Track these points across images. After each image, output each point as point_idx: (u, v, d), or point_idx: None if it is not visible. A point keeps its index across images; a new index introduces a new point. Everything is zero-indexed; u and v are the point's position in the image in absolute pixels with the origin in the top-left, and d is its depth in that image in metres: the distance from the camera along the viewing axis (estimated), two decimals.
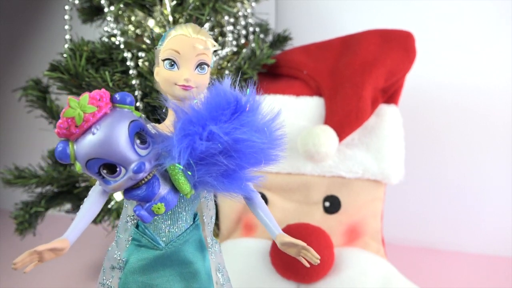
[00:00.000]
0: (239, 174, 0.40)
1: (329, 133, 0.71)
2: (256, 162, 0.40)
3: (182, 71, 0.42)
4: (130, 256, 0.44)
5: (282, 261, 0.66)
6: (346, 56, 0.78)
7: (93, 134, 0.36)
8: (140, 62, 0.72)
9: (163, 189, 0.39)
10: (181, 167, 0.38)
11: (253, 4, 0.87)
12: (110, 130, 0.36)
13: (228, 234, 0.79)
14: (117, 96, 0.38)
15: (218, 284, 0.49)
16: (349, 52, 0.78)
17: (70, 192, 0.86)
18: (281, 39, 0.96)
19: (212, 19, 0.77)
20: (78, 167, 0.37)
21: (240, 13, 0.82)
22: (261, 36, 0.91)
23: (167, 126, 0.41)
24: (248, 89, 0.41)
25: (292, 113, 0.77)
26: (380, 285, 0.67)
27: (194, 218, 0.46)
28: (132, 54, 0.72)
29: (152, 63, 0.65)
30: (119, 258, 0.45)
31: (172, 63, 0.42)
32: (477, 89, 0.98)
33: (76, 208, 0.90)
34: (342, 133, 0.73)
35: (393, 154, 0.75)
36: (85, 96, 0.36)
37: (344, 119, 0.73)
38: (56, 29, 1.20)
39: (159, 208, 0.39)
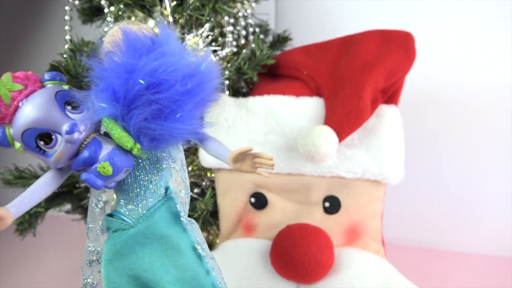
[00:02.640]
0: (177, 112, 0.37)
1: (329, 134, 0.71)
2: (189, 93, 0.37)
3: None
4: (105, 245, 0.42)
5: (282, 262, 0.66)
6: (346, 57, 0.78)
7: (20, 107, 0.36)
8: None
9: (105, 149, 0.38)
10: (112, 119, 0.36)
11: (253, 4, 0.87)
12: (37, 100, 0.37)
13: (228, 234, 0.79)
14: (46, 76, 0.39)
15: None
16: (349, 53, 0.78)
17: (70, 192, 0.86)
18: (281, 40, 0.97)
19: (212, 19, 0.77)
20: (17, 147, 0.38)
21: (240, 14, 0.82)
22: (261, 36, 0.91)
23: None
24: (159, 27, 0.39)
25: (292, 114, 0.77)
26: (380, 285, 0.67)
27: (166, 192, 0.43)
28: None
29: None
30: (93, 249, 0.43)
31: None
32: (477, 90, 0.99)
33: (76, 209, 0.90)
34: (342, 134, 0.73)
35: (393, 154, 0.75)
36: (7, 74, 0.37)
37: (344, 119, 0.73)
38: (56, 29, 1.20)
39: (104, 168, 0.37)
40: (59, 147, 0.37)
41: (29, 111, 0.36)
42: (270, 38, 0.97)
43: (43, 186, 0.40)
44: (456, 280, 0.90)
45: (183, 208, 0.43)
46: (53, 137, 0.37)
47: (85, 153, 0.37)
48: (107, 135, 0.39)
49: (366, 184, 0.75)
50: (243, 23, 0.83)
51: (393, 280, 0.68)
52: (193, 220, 0.44)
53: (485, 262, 0.98)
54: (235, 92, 0.82)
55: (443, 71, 1.00)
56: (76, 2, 0.78)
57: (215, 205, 0.80)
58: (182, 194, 0.44)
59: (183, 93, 0.36)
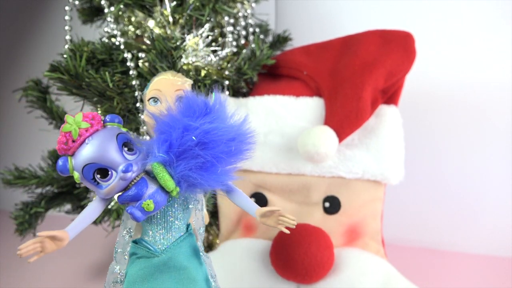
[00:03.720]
0: (217, 167, 0.44)
1: (329, 134, 0.71)
2: (230, 153, 0.45)
3: (165, 103, 0.48)
4: (129, 268, 0.47)
5: (282, 262, 0.66)
6: (346, 57, 0.78)
7: (87, 143, 0.42)
8: (140, 63, 0.72)
9: (151, 188, 0.44)
10: (161, 164, 0.43)
11: (253, 4, 0.87)
12: (101, 139, 0.43)
13: (228, 235, 0.79)
14: (107, 118, 0.45)
15: None
16: (349, 53, 0.78)
17: (70, 192, 0.86)
18: (281, 40, 0.97)
19: (212, 19, 0.77)
20: (76, 176, 0.43)
21: (240, 14, 0.82)
22: (261, 36, 0.91)
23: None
24: (213, 94, 0.47)
25: (292, 114, 0.77)
26: (380, 285, 0.67)
27: (187, 228, 0.49)
28: (132, 54, 0.72)
29: (152, 64, 0.65)
30: (118, 272, 0.48)
31: (156, 99, 0.48)
32: (477, 90, 0.98)
33: (76, 209, 0.90)
34: (342, 134, 0.73)
35: (393, 155, 0.75)
36: (79, 114, 0.43)
37: (344, 119, 0.73)
38: (56, 29, 1.20)
39: (148, 205, 0.43)
40: (113, 182, 0.43)
41: (94, 149, 0.42)
42: (270, 38, 0.97)
43: (91, 213, 0.46)
44: (456, 280, 0.90)
45: (201, 243, 0.51)
46: (109, 172, 0.43)
47: (134, 190, 0.43)
48: (148, 172, 0.45)
49: (366, 184, 0.75)
50: (243, 23, 0.83)
51: (393, 280, 0.68)
52: (208, 255, 0.52)
53: (485, 262, 0.98)
54: (235, 92, 0.82)
55: (443, 71, 1.00)
56: (76, 2, 0.78)
57: (215, 205, 0.80)
58: (201, 231, 0.51)
59: (226, 152, 0.44)
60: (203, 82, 0.71)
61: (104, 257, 1.03)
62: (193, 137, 0.43)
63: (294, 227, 0.47)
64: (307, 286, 0.67)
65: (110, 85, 0.66)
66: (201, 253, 0.50)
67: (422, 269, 0.94)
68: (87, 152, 0.42)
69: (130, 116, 0.73)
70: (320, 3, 1.07)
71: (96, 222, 0.87)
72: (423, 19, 0.99)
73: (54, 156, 0.89)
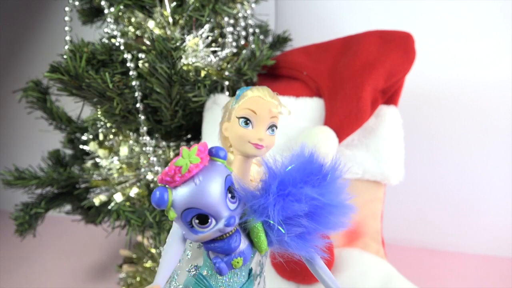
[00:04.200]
0: (311, 237, 0.42)
1: (329, 134, 0.71)
2: (330, 227, 0.43)
3: (257, 130, 0.45)
4: None
5: (282, 262, 0.66)
6: (346, 57, 0.78)
7: (196, 184, 0.38)
8: (140, 64, 0.72)
9: (243, 244, 0.41)
10: (261, 224, 0.41)
11: (253, 5, 0.87)
12: (210, 182, 0.38)
13: None
14: (212, 149, 0.40)
15: None
16: (349, 53, 0.78)
17: (70, 193, 0.86)
18: (281, 40, 0.97)
19: (212, 20, 0.77)
20: (172, 215, 0.39)
21: (240, 14, 0.82)
22: (261, 37, 0.91)
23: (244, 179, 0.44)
24: (330, 163, 0.44)
25: (292, 114, 0.77)
26: (380, 285, 0.67)
27: (249, 273, 0.47)
28: (132, 55, 0.72)
29: (152, 64, 0.65)
30: None
31: (248, 121, 0.44)
32: (477, 90, 0.99)
33: (76, 209, 0.90)
34: (342, 134, 0.73)
35: (393, 155, 0.75)
36: (195, 147, 0.39)
37: (344, 120, 0.73)
38: (56, 30, 1.21)
39: (238, 262, 0.41)
40: (210, 231, 0.39)
41: (202, 193, 0.38)
42: (270, 39, 0.97)
43: (175, 257, 0.42)
44: (456, 280, 0.90)
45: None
46: (209, 220, 0.39)
47: (227, 243, 0.40)
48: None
49: (366, 185, 0.75)
50: (243, 23, 0.83)
51: (393, 280, 0.68)
52: None
53: (485, 262, 0.98)
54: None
55: (442, 71, 1.00)
56: (76, 3, 0.78)
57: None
58: (262, 275, 0.49)
59: (326, 227, 0.42)
60: (203, 83, 0.71)
61: (104, 257, 1.03)
62: (306, 208, 0.41)
63: None
64: (307, 286, 0.67)
65: (110, 85, 0.66)
66: None
67: (422, 269, 0.94)
68: (193, 195, 0.38)
69: (130, 116, 0.73)
70: (320, 3, 1.07)
71: (96, 223, 0.87)
72: (423, 19, 0.99)
73: (54, 156, 0.89)
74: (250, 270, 0.47)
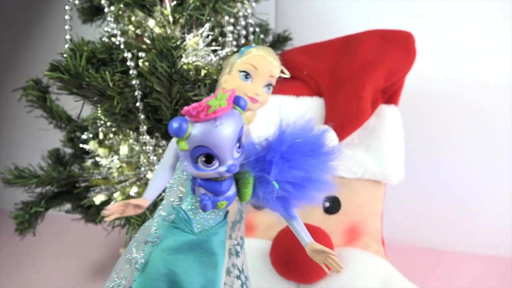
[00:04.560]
0: (292, 201, 0.45)
1: (329, 134, 0.71)
2: (308, 200, 0.46)
3: (255, 85, 0.48)
4: (166, 235, 0.47)
5: (282, 262, 0.66)
6: (346, 57, 0.78)
7: (216, 126, 0.39)
8: (140, 62, 0.72)
9: (231, 191, 0.44)
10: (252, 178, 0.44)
11: (253, 4, 0.87)
12: (228, 128, 0.40)
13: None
14: (236, 98, 0.42)
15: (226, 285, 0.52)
16: (349, 53, 0.78)
17: (70, 192, 0.86)
18: (281, 40, 0.96)
19: (212, 19, 0.77)
20: (183, 146, 0.40)
21: (240, 13, 0.82)
22: (261, 36, 0.91)
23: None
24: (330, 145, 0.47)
25: (292, 114, 0.77)
26: (380, 285, 0.67)
27: (225, 216, 0.50)
28: (132, 54, 0.72)
29: (152, 63, 0.65)
30: (156, 233, 0.48)
31: (248, 75, 0.48)
32: (477, 90, 0.98)
33: (76, 208, 0.90)
34: (342, 134, 0.73)
35: (393, 154, 0.75)
36: (228, 93, 0.40)
37: (344, 119, 0.73)
38: (56, 29, 1.20)
39: (222, 204, 0.44)
40: (212, 171, 0.41)
41: (220, 135, 0.39)
42: (270, 38, 0.97)
43: (164, 181, 0.47)
44: (456, 280, 0.90)
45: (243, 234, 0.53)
46: (214, 162, 0.41)
47: (220, 186, 0.43)
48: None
49: (366, 184, 0.75)
50: (243, 22, 0.83)
51: (393, 280, 0.68)
52: (244, 248, 0.54)
53: (485, 262, 0.98)
54: None
55: (443, 71, 1.00)
56: (76, 2, 0.78)
57: None
58: (242, 221, 0.53)
59: (306, 199, 0.45)
60: (203, 82, 0.71)
61: (104, 257, 1.03)
62: (301, 174, 0.44)
63: (339, 272, 0.47)
64: (307, 286, 0.67)
65: (110, 84, 0.66)
66: (238, 247, 0.53)
67: (422, 269, 0.94)
68: (209, 135, 0.39)
69: (130, 115, 0.73)
70: (320, 3, 1.07)
71: (95, 222, 0.87)
72: (423, 19, 0.99)
73: (54, 155, 0.89)
74: (226, 212, 0.50)
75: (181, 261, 0.46)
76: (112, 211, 0.42)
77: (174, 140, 0.48)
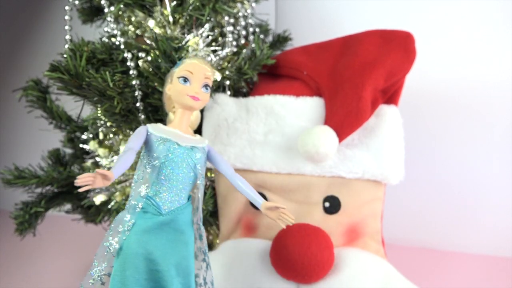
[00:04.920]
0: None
1: (329, 134, 0.71)
2: None
3: (193, 86, 0.56)
4: (137, 220, 0.53)
5: (282, 261, 0.66)
6: (346, 57, 0.78)
7: None
8: (140, 63, 0.72)
9: None
10: None
11: (253, 4, 0.87)
12: None
13: (228, 234, 0.79)
14: None
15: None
16: (349, 53, 0.78)
17: (70, 192, 0.86)
18: (281, 40, 0.97)
19: (212, 19, 0.77)
20: None
21: (240, 14, 0.82)
22: (261, 36, 0.91)
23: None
24: None
25: (292, 114, 0.77)
26: (380, 285, 0.67)
27: (188, 199, 0.57)
28: (133, 54, 0.72)
29: (152, 63, 0.65)
30: (129, 221, 0.53)
31: (186, 79, 0.55)
32: (477, 90, 0.99)
33: (76, 209, 0.90)
34: (342, 134, 0.73)
35: (393, 155, 0.75)
36: None
37: (344, 119, 0.73)
38: (56, 29, 1.20)
39: None
40: None
41: None
42: (270, 38, 0.97)
43: (129, 159, 0.51)
44: (456, 280, 0.90)
45: (201, 221, 0.58)
46: None
47: None
48: None
49: (366, 184, 0.75)
50: (243, 23, 0.83)
51: (393, 280, 0.68)
52: (203, 231, 0.59)
53: (485, 262, 0.98)
54: (235, 92, 0.83)
55: (443, 71, 1.00)
56: (76, 2, 0.78)
57: (215, 205, 0.80)
58: (200, 208, 0.58)
59: None
60: None
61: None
62: None
63: (291, 224, 0.54)
64: (307, 286, 0.67)
65: (110, 84, 0.66)
66: (200, 231, 0.58)
67: (422, 269, 0.94)
68: None
69: (130, 115, 0.73)
70: (320, 3, 1.07)
71: (95, 222, 0.87)
72: (423, 19, 0.99)
73: (54, 155, 0.89)
74: (189, 197, 0.57)
75: (154, 240, 0.52)
76: (83, 181, 0.45)
77: (139, 128, 0.56)
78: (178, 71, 0.56)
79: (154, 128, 0.56)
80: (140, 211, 0.54)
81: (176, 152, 0.54)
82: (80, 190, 0.46)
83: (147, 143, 0.55)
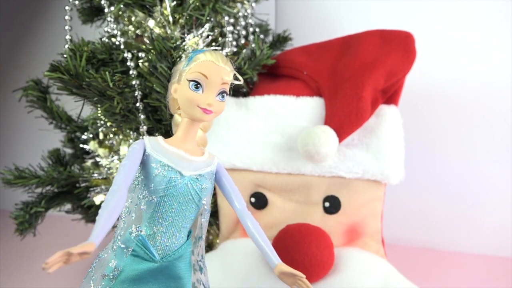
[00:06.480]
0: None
1: (329, 134, 0.71)
2: None
3: (207, 95, 0.44)
4: (125, 266, 0.44)
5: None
6: (346, 57, 0.78)
7: None
8: (140, 63, 0.72)
9: None
10: None
11: (253, 4, 0.87)
12: None
13: (228, 234, 0.79)
14: None
15: None
16: (349, 53, 0.78)
17: (70, 192, 0.86)
18: (281, 40, 0.96)
19: (212, 19, 0.77)
20: None
21: (240, 14, 0.82)
22: (261, 36, 0.91)
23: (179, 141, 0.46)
24: None
25: (292, 114, 0.77)
26: (380, 285, 0.67)
27: (188, 235, 0.47)
28: (132, 54, 0.72)
29: (152, 63, 0.65)
30: (114, 267, 0.44)
31: (198, 85, 0.44)
32: (477, 89, 0.99)
33: (76, 209, 0.90)
34: (342, 134, 0.73)
35: (393, 154, 0.75)
36: None
37: (344, 119, 0.73)
38: (56, 29, 1.20)
39: None
40: None
41: None
42: (270, 38, 0.97)
43: (116, 207, 0.39)
44: (456, 280, 0.90)
45: (202, 251, 0.50)
46: None
47: None
48: None
49: (366, 184, 0.75)
50: (243, 23, 0.83)
51: (393, 280, 0.68)
52: (206, 264, 0.50)
53: (485, 262, 0.98)
54: (235, 92, 0.83)
55: (443, 71, 1.00)
56: (76, 2, 0.78)
57: (215, 205, 0.80)
58: (203, 238, 0.49)
59: None
60: None
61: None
62: None
63: None
64: None
65: (110, 84, 0.66)
66: (200, 263, 0.49)
67: (422, 269, 0.94)
68: None
69: (130, 115, 0.73)
70: (320, 3, 1.07)
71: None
72: (423, 19, 0.99)
73: (54, 155, 0.89)
74: (190, 231, 0.47)
75: None
76: (53, 263, 0.34)
77: (135, 145, 0.44)
78: (189, 70, 0.44)
79: (153, 146, 0.44)
80: (129, 255, 0.44)
81: (179, 185, 0.44)
82: (49, 271, 0.34)
83: (143, 165, 0.44)
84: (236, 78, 0.47)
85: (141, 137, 0.74)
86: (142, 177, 0.44)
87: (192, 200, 0.45)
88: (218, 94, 0.45)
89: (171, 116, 0.72)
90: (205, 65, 0.44)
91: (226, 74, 0.45)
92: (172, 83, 0.47)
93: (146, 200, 0.44)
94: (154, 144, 0.45)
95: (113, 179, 0.41)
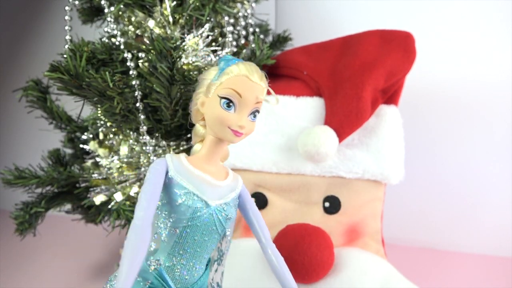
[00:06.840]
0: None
1: (329, 134, 0.71)
2: None
3: (239, 116, 0.40)
4: None
5: None
6: (346, 57, 0.78)
7: None
8: (140, 63, 0.72)
9: None
10: None
11: (253, 4, 0.87)
12: None
13: None
14: None
15: None
16: (349, 53, 0.78)
17: (70, 192, 0.86)
18: (281, 40, 0.96)
19: (212, 19, 0.77)
20: None
21: (240, 14, 0.82)
22: (261, 36, 0.91)
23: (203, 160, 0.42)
24: None
25: (292, 114, 0.77)
26: (380, 285, 0.67)
27: (207, 265, 0.44)
28: (132, 54, 0.72)
29: (152, 64, 0.65)
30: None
31: (230, 103, 0.40)
32: (477, 89, 0.98)
33: (76, 209, 0.90)
34: (342, 134, 0.73)
35: (393, 154, 0.75)
36: None
37: (344, 119, 0.73)
38: (56, 29, 1.20)
39: None
40: None
41: None
42: (270, 38, 0.97)
43: (144, 242, 0.35)
44: (456, 280, 0.90)
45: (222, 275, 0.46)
46: None
47: None
48: None
49: (366, 184, 0.75)
50: (243, 23, 0.83)
51: (393, 280, 0.68)
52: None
53: (485, 262, 0.98)
54: None
55: (443, 71, 1.00)
56: (76, 2, 0.78)
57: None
58: (222, 263, 0.45)
59: None
60: None
61: (104, 257, 1.03)
62: None
63: None
64: (307, 286, 0.67)
65: (110, 85, 0.66)
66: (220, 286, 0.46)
67: (422, 269, 0.94)
68: None
69: (130, 116, 0.73)
70: (320, 3, 1.07)
71: (96, 222, 0.87)
72: (423, 19, 0.99)
73: (54, 156, 0.89)
74: (208, 260, 0.44)
75: None
76: None
77: (156, 166, 0.39)
78: (220, 86, 0.40)
79: (177, 168, 0.40)
80: (144, 283, 0.40)
81: (203, 215, 0.40)
82: None
83: (165, 188, 0.40)
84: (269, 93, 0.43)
85: (142, 137, 0.74)
86: (164, 201, 0.40)
87: (215, 230, 0.41)
88: (250, 114, 0.41)
89: (172, 116, 0.73)
90: (239, 81, 0.40)
91: (261, 92, 0.41)
92: (198, 93, 0.42)
93: (168, 231, 0.40)
94: (177, 165, 0.40)
95: (135, 209, 0.36)
